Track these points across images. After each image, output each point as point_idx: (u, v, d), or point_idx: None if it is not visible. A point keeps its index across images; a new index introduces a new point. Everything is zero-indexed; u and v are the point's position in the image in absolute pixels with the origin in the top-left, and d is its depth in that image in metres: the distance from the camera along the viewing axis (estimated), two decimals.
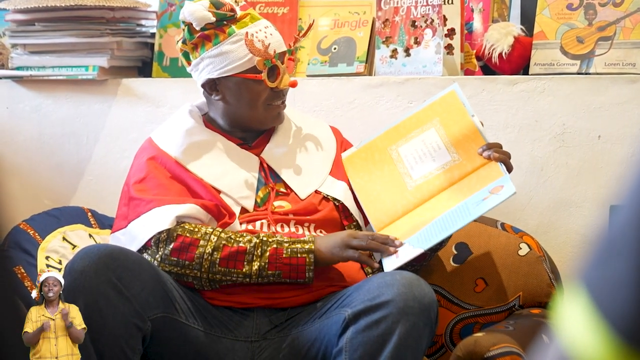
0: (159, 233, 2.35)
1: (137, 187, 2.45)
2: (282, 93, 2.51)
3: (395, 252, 2.33)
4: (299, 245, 2.33)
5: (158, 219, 2.36)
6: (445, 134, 2.51)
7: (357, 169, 2.58)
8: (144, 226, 2.37)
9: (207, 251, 2.32)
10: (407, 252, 2.36)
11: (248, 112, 2.51)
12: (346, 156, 2.61)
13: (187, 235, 2.34)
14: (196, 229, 2.35)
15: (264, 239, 2.34)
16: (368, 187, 2.55)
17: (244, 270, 2.32)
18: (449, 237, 2.44)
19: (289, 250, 2.32)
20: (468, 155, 2.47)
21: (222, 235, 2.34)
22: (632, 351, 0.67)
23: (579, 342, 0.69)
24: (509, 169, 2.41)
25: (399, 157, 2.55)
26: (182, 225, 2.36)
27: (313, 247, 2.33)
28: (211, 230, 2.35)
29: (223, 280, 2.34)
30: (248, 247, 2.32)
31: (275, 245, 2.32)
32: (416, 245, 2.37)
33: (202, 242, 2.33)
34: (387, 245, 2.32)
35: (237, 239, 2.34)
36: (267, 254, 2.32)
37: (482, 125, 2.50)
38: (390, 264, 2.33)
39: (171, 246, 2.33)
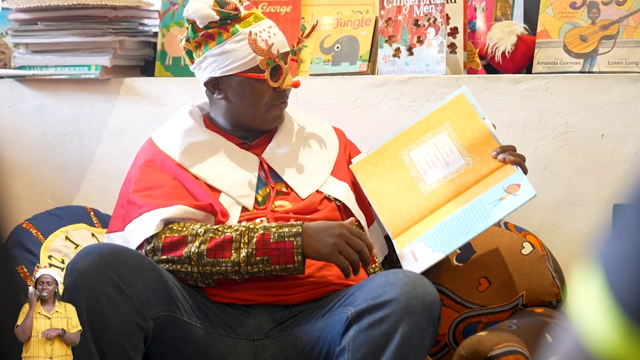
0: (147, 239, 2.36)
1: (134, 189, 2.47)
2: (285, 93, 2.51)
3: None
4: (286, 230, 2.29)
5: (146, 225, 2.36)
6: (457, 138, 2.51)
7: (368, 175, 2.57)
8: (134, 232, 2.39)
9: (195, 245, 2.30)
10: (428, 257, 2.36)
11: (250, 111, 2.51)
12: (356, 162, 2.60)
13: (175, 234, 2.34)
14: (184, 228, 2.34)
15: (251, 226, 2.32)
16: (381, 193, 2.54)
17: (232, 258, 2.29)
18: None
19: (277, 234, 2.29)
20: (482, 159, 2.47)
21: (210, 228, 2.33)
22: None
23: (592, 324, 0.69)
24: (524, 171, 2.41)
25: (411, 162, 2.54)
26: (169, 227, 2.36)
27: (301, 230, 2.29)
28: (199, 226, 2.34)
29: (214, 273, 2.31)
30: (234, 235, 2.30)
31: (262, 231, 2.30)
32: (434, 247, 2.37)
33: (190, 239, 2.32)
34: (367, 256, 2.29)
35: (224, 230, 2.32)
36: (255, 240, 2.29)
37: (495, 127, 2.50)
38: (411, 268, 2.33)
39: (160, 248, 2.34)
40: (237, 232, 2.30)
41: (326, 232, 2.28)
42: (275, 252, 2.28)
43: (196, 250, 2.30)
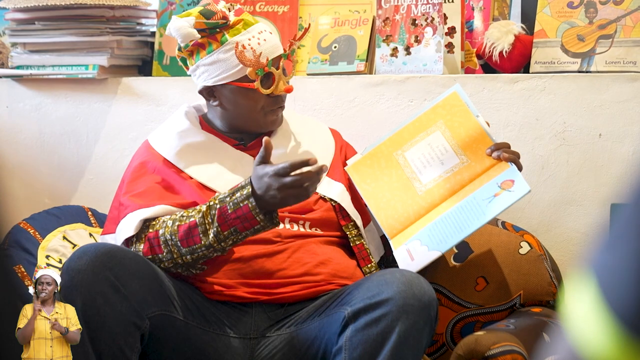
0: (129, 239, 2.37)
1: (124, 191, 2.48)
2: (281, 98, 2.50)
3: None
4: (238, 194, 2.29)
5: (127, 225, 2.38)
6: (451, 136, 2.50)
7: (363, 176, 2.57)
8: (119, 232, 2.41)
9: (168, 237, 2.32)
10: (424, 256, 2.36)
11: (245, 118, 2.51)
12: (351, 164, 2.60)
13: (150, 230, 2.36)
14: (156, 222, 2.36)
15: (210, 203, 2.31)
16: (377, 194, 2.54)
17: (203, 242, 2.30)
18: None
19: (231, 204, 2.28)
20: (476, 157, 2.47)
21: (176, 215, 2.35)
22: (636, 342, 0.66)
23: (586, 333, 0.69)
24: (519, 168, 2.41)
25: (406, 162, 2.54)
26: (147, 226, 2.37)
27: (251, 190, 2.27)
28: (167, 217, 2.36)
29: (196, 259, 2.33)
30: (197, 219, 2.31)
31: (219, 205, 2.30)
32: (430, 246, 2.37)
33: (161, 231, 2.34)
34: (315, 171, 2.22)
35: (189, 214, 2.33)
36: (215, 217, 2.29)
37: (488, 125, 2.50)
38: (407, 267, 2.33)
39: (141, 248, 2.35)
40: (200, 215, 2.31)
41: (268, 193, 2.25)
42: (238, 221, 2.28)
43: (171, 242, 2.32)
